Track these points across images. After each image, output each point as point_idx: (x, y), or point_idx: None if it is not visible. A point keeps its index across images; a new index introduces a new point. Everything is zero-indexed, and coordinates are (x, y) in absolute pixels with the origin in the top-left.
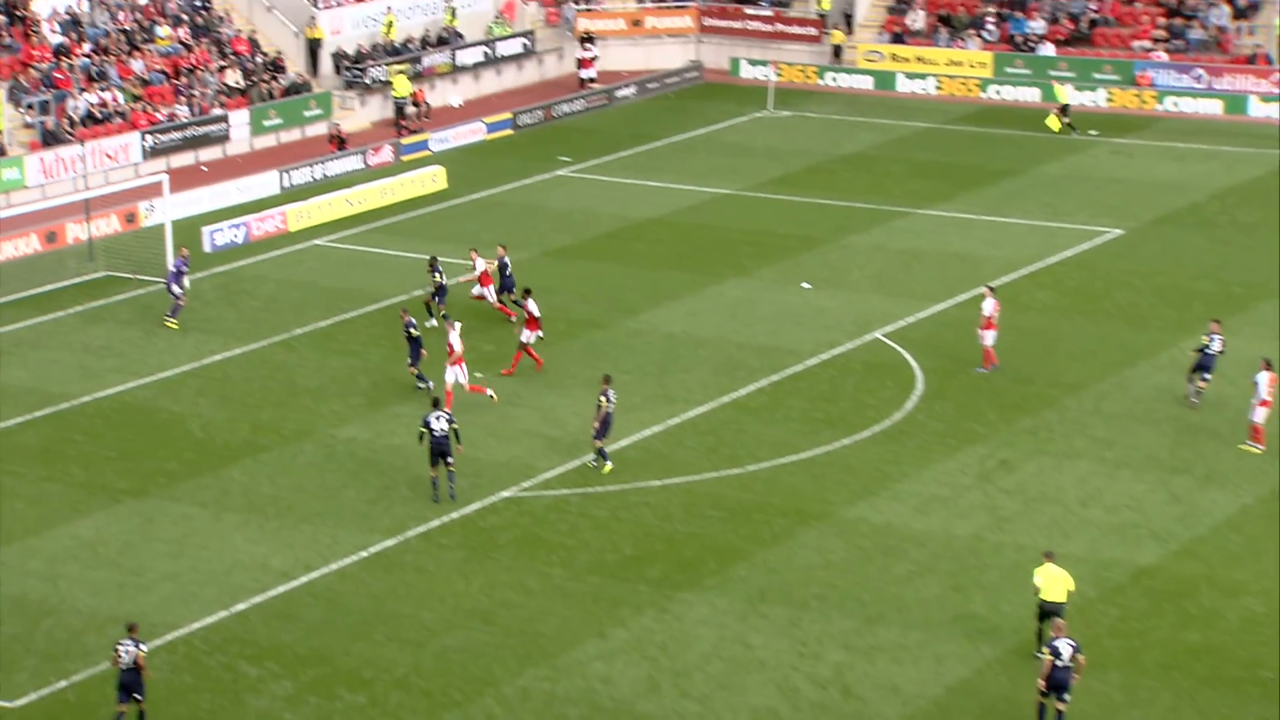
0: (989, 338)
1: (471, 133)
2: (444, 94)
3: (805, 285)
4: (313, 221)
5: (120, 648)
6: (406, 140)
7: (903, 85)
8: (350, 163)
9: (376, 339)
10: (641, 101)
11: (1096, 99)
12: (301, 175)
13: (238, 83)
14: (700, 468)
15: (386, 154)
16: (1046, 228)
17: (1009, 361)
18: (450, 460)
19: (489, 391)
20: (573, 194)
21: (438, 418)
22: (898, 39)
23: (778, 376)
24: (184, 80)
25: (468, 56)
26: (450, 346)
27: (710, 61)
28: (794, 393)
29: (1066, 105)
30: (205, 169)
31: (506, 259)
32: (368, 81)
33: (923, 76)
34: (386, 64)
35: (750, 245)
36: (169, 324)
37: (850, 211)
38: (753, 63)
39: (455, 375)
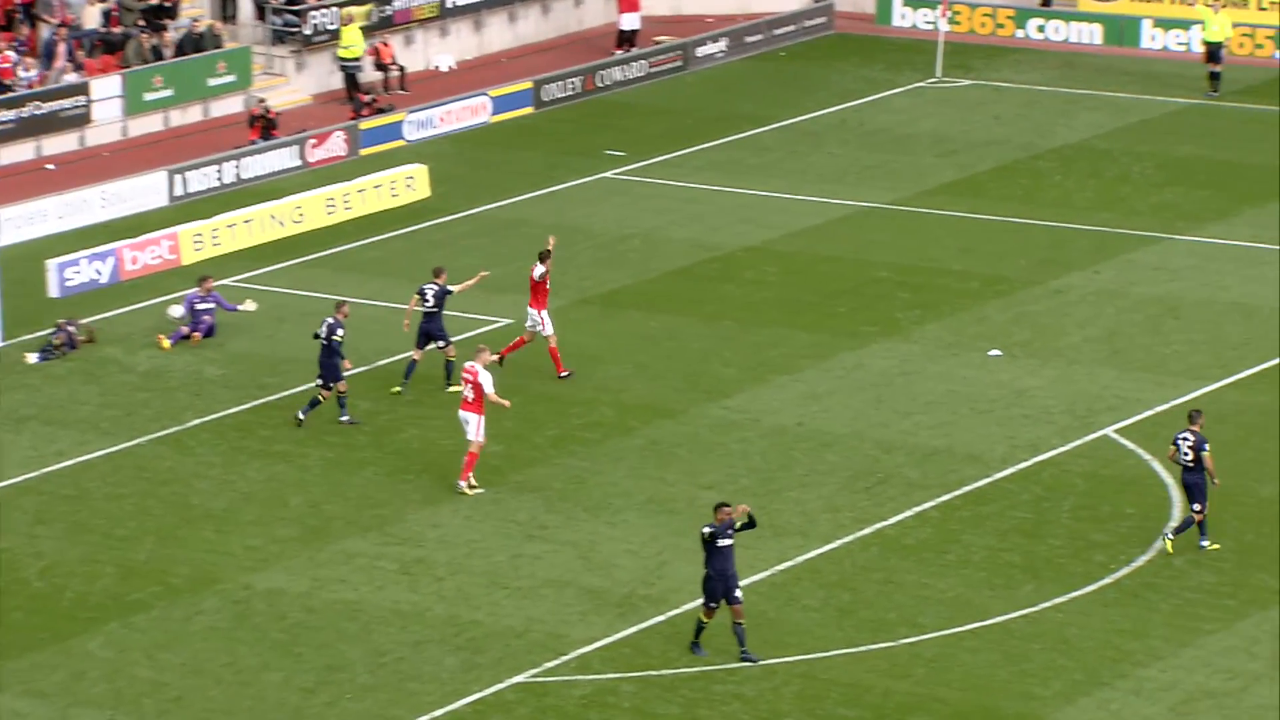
0: None
1: (470, 112)
2: (427, 52)
3: (994, 353)
4: (220, 250)
5: None
6: (368, 124)
7: (1152, 39)
8: (281, 159)
9: (320, 433)
10: (736, 64)
11: None
12: (203, 178)
13: (103, 30)
14: (826, 639)
15: (337, 145)
16: None
17: None
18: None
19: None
20: (628, 208)
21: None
22: None
23: (949, 496)
24: (17, 31)
25: None
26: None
27: (846, 1)
28: (975, 522)
29: (1217, 45)
30: (51, 168)
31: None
32: (308, 33)
33: (1184, 25)
34: (337, 4)
35: (907, 289)
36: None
37: (1067, 237)
38: (913, 3)
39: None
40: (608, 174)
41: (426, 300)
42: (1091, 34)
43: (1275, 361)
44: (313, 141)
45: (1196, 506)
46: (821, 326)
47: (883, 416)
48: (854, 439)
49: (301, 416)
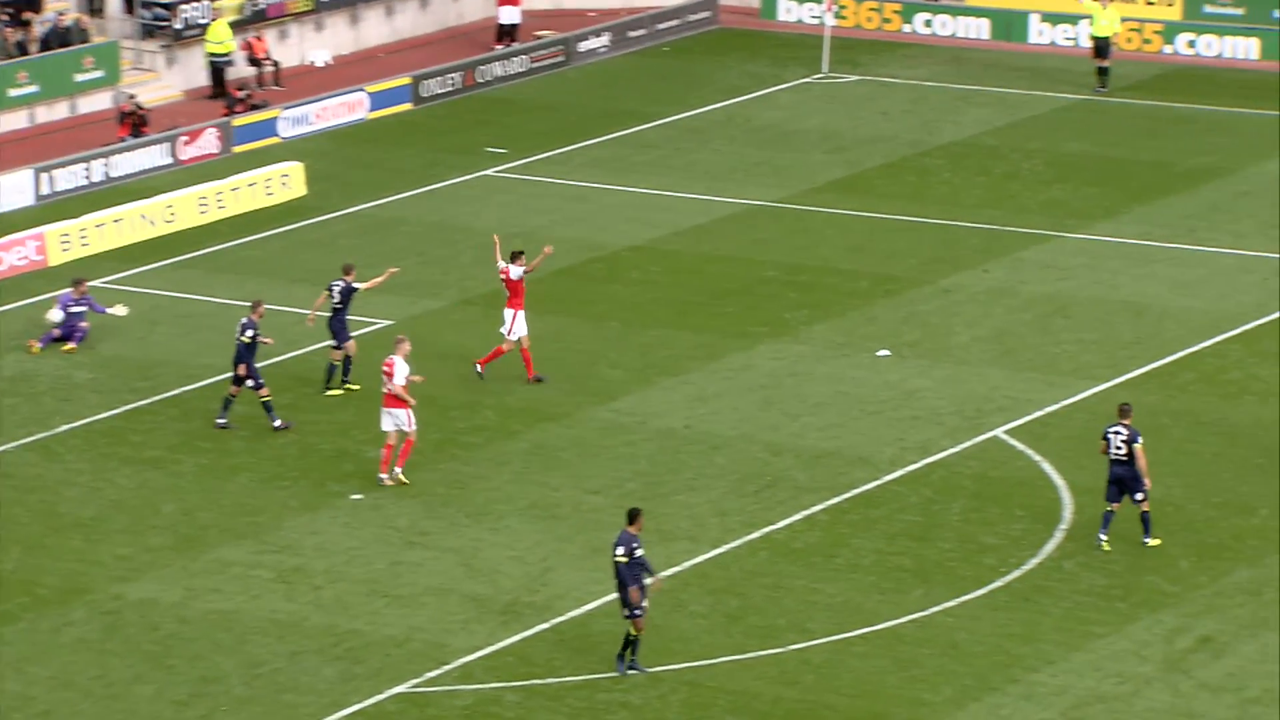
0: None
1: (346, 108)
2: (302, 47)
3: (882, 353)
4: (89, 251)
5: None
6: (242, 121)
7: (1040, 34)
8: (151, 156)
9: (193, 437)
10: (619, 59)
11: None
12: (71, 176)
13: None
14: (714, 646)
15: (210, 142)
16: (1273, 262)
17: (1179, 478)
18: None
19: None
20: (510, 206)
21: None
22: None
23: (838, 499)
24: None
25: None
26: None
27: None
28: (865, 526)
29: (1105, 40)
30: None
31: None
32: (178, 27)
33: (1072, 20)
34: None
35: (796, 289)
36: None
37: (956, 235)
38: None
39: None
40: (489, 172)
41: (333, 297)
42: (979, 29)
43: (1165, 361)
44: (184, 139)
45: (1139, 496)
46: (709, 327)
47: (771, 419)
48: (742, 441)
49: (221, 421)
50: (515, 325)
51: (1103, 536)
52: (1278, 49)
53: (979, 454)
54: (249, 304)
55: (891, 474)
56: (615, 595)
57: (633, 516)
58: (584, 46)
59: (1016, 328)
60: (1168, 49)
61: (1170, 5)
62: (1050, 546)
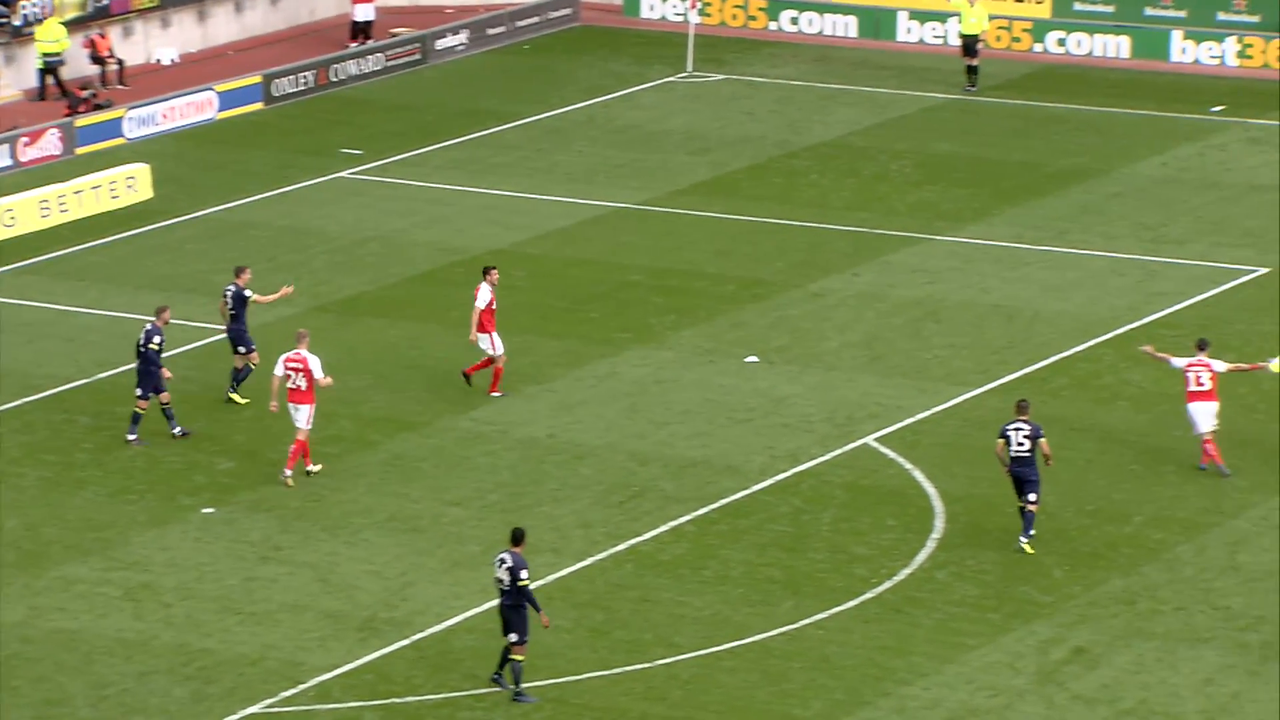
0: None
1: (194, 108)
2: (147, 44)
3: (751, 359)
4: None
5: None
6: (84, 121)
7: (908, 31)
8: None
9: (36, 449)
10: (478, 57)
11: (1223, 53)
12: None
13: None
14: (579, 661)
15: (51, 144)
16: (1146, 265)
17: (1052, 485)
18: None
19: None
20: (366, 209)
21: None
22: None
23: (707, 509)
24: None
25: None
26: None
27: None
28: (733, 537)
29: (973, 38)
30: None
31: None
32: (18, 24)
33: (941, 17)
34: None
35: (661, 293)
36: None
37: (825, 237)
38: None
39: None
40: (343, 174)
41: (227, 302)
42: (846, 26)
43: (1038, 366)
44: (25, 140)
45: (1032, 497)
46: (572, 333)
47: (637, 427)
48: (608, 451)
49: (131, 438)
50: (495, 342)
51: (1024, 540)
52: (1149, 47)
53: (850, 462)
54: (152, 311)
55: (761, 483)
56: (476, 612)
57: (520, 537)
58: (441, 44)
59: (887, 333)
60: (1038, 47)
61: (1040, 3)
62: (922, 556)
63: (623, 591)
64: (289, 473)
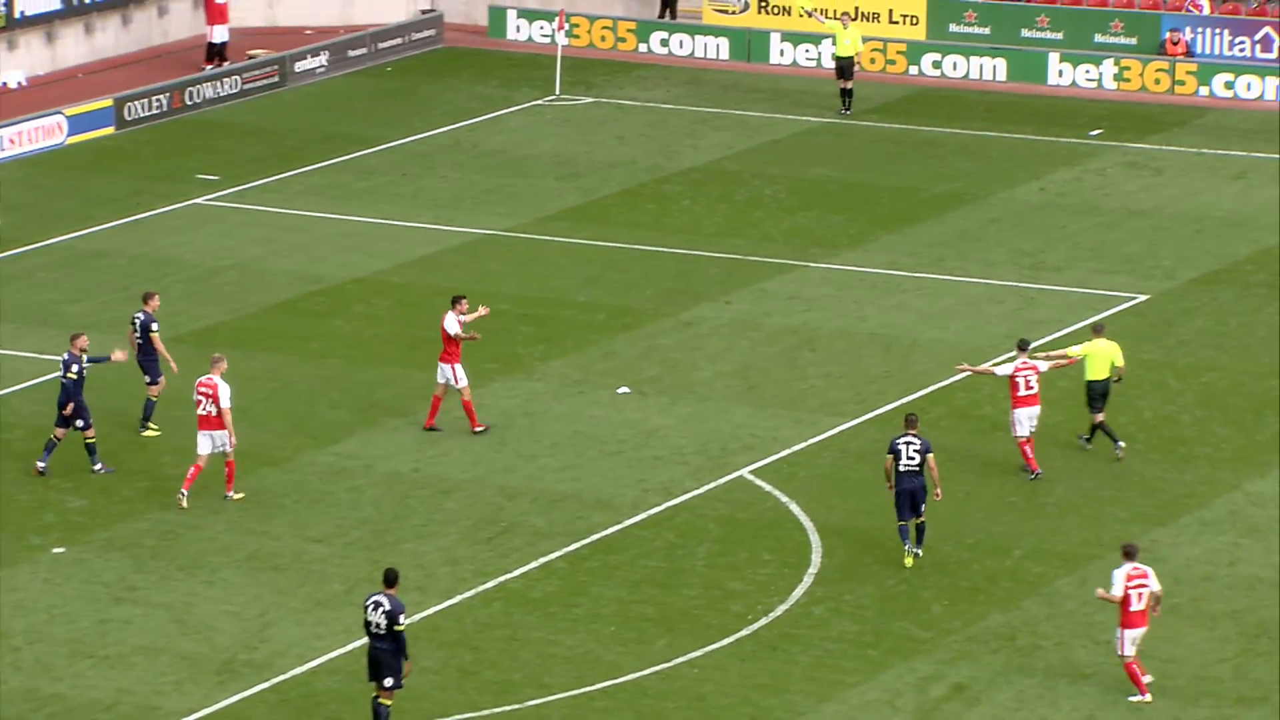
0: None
1: (43, 133)
2: None
3: (622, 390)
4: None
5: None
6: None
7: (781, 54)
8: None
9: None
10: (339, 80)
11: (1101, 76)
12: None
13: None
14: (446, 703)
15: None
16: (1024, 291)
17: (930, 518)
18: None
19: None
20: (222, 237)
21: None
22: None
23: (577, 545)
24: None
25: (34, 1)
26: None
27: (456, 13)
28: (605, 573)
29: (848, 61)
30: None
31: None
32: None
33: (814, 40)
34: None
35: (529, 322)
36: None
37: (697, 265)
38: (528, 15)
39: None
40: (199, 200)
41: (135, 331)
42: (718, 48)
43: (915, 395)
44: None
45: (922, 508)
46: (434, 365)
47: (505, 460)
48: (475, 485)
49: (41, 465)
50: (458, 374)
51: (909, 547)
52: (1025, 70)
53: (724, 495)
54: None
55: (633, 517)
56: (340, 653)
57: (393, 579)
58: (301, 66)
59: (761, 362)
60: (913, 70)
61: (915, 25)
62: (799, 591)
63: (491, 630)
64: (185, 496)
